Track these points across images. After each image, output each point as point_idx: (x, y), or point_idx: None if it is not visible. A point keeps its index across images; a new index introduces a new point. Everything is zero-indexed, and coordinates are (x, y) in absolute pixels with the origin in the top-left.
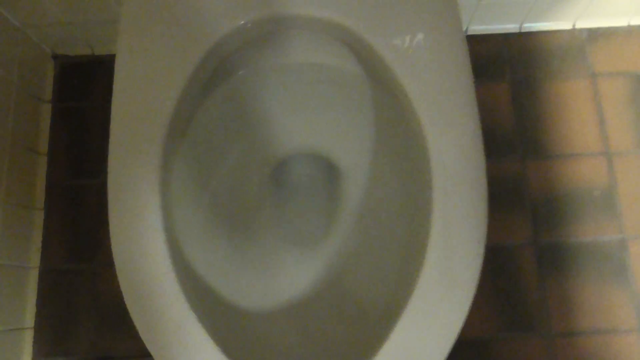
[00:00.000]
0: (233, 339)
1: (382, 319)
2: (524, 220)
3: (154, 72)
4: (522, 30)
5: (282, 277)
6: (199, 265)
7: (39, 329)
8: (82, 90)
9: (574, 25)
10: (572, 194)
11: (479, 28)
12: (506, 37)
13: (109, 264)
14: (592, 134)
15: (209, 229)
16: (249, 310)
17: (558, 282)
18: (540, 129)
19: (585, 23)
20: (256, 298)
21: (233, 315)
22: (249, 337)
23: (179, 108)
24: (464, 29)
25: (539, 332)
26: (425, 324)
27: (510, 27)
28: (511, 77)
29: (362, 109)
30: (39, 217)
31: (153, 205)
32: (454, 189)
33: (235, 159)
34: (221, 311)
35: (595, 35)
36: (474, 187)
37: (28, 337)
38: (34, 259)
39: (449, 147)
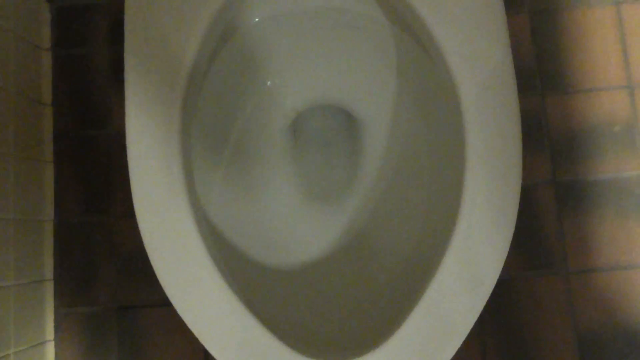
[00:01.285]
0: (251, 291)
1: (408, 278)
2: (542, 158)
3: (170, 21)
4: None
5: (302, 233)
6: (218, 220)
7: (58, 280)
8: (83, 36)
9: None
10: (592, 129)
11: None
12: None
13: (124, 215)
14: (615, 66)
15: (229, 184)
16: (269, 266)
17: (577, 219)
18: (560, 62)
19: None
20: (276, 254)
21: (252, 270)
22: (268, 291)
23: (197, 59)
24: None
25: (557, 270)
26: (458, 287)
27: None
28: (531, 8)
29: (383, 55)
30: (49, 170)
31: (174, 161)
32: (487, 138)
33: (252, 112)
34: (240, 265)
35: None
36: (509, 136)
37: (49, 289)
38: (49, 212)
39: (480, 91)
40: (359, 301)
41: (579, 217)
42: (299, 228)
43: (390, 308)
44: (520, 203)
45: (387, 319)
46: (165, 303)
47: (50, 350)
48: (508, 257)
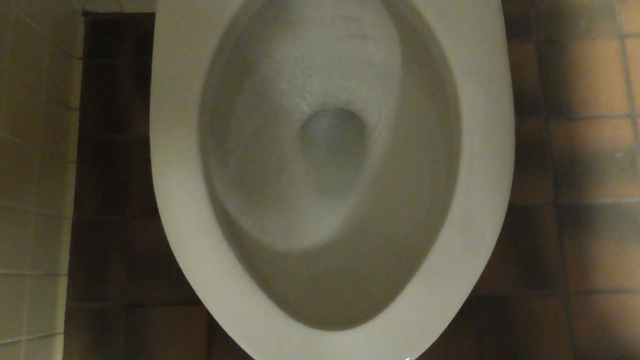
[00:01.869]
0: (267, 275)
1: (409, 259)
2: (545, 181)
3: (193, 23)
4: None
5: (311, 223)
6: (231, 206)
7: (72, 275)
8: (112, 47)
9: None
10: (594, 155)
11: None
12: None
13: (139, 216)
14: (618, 95)
15: (241, 179)
16: (277, 247)
17: (577, 242)
18: (565, 89)
19: None
20: (285, 237)
21: (261, 251)
22: (276, 269)
23: (215, 59)
24: None
25: (557, 290)
26: (447, 268)
27: None
28: (537, 37)
29: (390, 63)
30: (72, 170)
31: (192, 154)
32: (482, 147)
33: (266, 113)
34: (250, 246)
35: None
36: (502, 148)
37: (62, 283)
38: (68, 210)
39: (480, 103)
40: (363, 276)
41: (580, 240)
42: (307, 215)
43: (392, 279)
44: (521, 222)
45: (390, 288)
46: (173, 303)
47: (59, 342)
48: (508, 274)
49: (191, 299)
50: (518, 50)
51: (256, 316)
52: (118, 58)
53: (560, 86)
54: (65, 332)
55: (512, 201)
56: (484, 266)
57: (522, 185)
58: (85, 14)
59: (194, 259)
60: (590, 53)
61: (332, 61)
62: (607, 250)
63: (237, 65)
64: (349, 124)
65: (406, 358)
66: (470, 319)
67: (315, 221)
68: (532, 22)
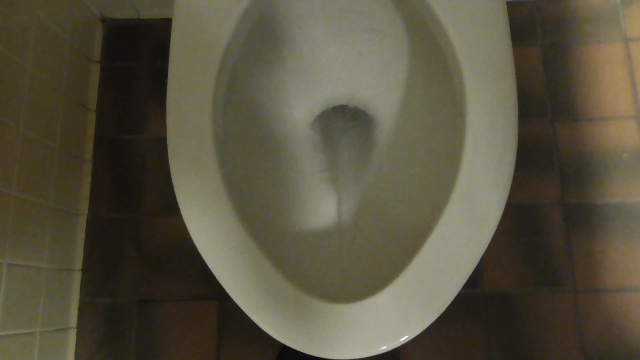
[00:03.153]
0: (281, 255)
1: (416, 235)
2: (552, 181)
3: (206, 27)
4: None
5: (322, 207)
6: (249, 199)
7: (86, 270)
8: (129, 51)
9: None
10: (600, 156)
11: None
12: (538, 2)
13: (152, 214)
14: (623, 98)
15: (256, 169)
16: (287, 225)
17: (584, 240)
18: (570, 91)
19: None
20: (301, 223)
21: (272, 228)
22: (297, 254)
23: (230, 47)
24: None
25: (564, 288)
26: (452, 243)
27: None
28: (543, 41)
29: (398, 57)
30: (87, 168)
31: (208, 148)
32: (484, 142)
33: (277, 110)
34: (262, 225)
35: (629, 0)
36: (505, 142)
37: (76, 278)
38: (83, 207)
39: (486, 102)
40: (372, 252)
41: (587, 238)
42: (317, 198)
43: (400, 254)
44: (529, 221)
45: (397, 263)
46: (184, 298)
47: (72, 336)
48: (516, 272)
49: (202, 294)
50: (524, 53)
51: (268, 291)
52: (134, 62)
53: (565, 88)
54: (78, 327)
55: (519, 200)
56: (488, 241)
57: (529, 184)
58: (104, 19)
59: (211, 242)
60: (595, 56)
61: (340, 56)
62: (615, 250)
63: (249, 65)
64: (357, 116)
65: (410, 332)
66: (478, 315)
67: (326, 205)
68: (538, 26)
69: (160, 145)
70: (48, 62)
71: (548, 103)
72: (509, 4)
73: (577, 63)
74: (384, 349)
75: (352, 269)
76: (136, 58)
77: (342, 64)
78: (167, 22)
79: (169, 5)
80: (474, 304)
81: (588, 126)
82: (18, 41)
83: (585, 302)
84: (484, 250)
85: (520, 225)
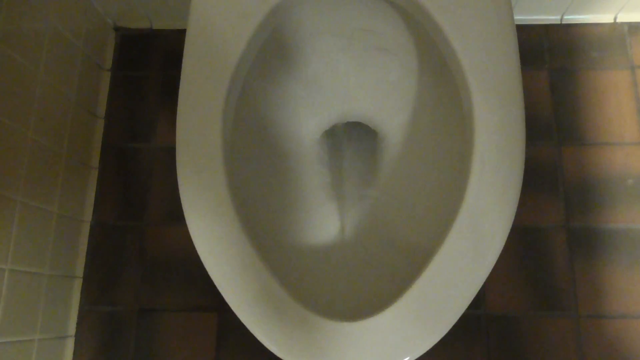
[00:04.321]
0: (283, 270)
1: (419, 258)
2: (557, 204)
3: (220, 38)
4: (563, 22)
5: (326, 223)
6: (254, 211)
7: (87, 278)
8: (140, 60)
9: (615, 19)
10: (605, 181)
11: (520, 18)
12: (547, 27)
13: (155, 223)
14: (629, 124)
15: (263, 182)
16: (299, 249)
17: (588, 265)
18: (577, 116)
19: (627, 17)
20: (304, 239)
21: (284, 253)
22: (299, 269)
23: (242, 61)
24: None
25: (567, 313)
26: (455, 268)
27: (552, 18)
28: (550, 66)
29: (406, 76)
30: (93, 175)
31: (216, 159)
32: (491, 165)
33: (285, 127)
34: (266, 239)
35: (636, 29)
36: (512, 167)
37: (77, 285)
38: (87, 214)
39: (494, 125)
40: (374, 272)
41: (591, 263)
42: (322, 215)
43: (402, 276)
44: (532, 244)
45: (399, 284)
46: (184, 309)
47: (70, 345)
48: (518, 295)
49: (202, 306)
50: (532, 77)
51: (272, 307)
52: (145, 71)
53: (572, 113)
54: (77, 335)
55: (523, 222)
56: (492, 265)
57: (534, 207)
58: (117, 29)
59: (215, 253)
60: (602, 82)
61: (349, 73)
62: (618, 275)
63: (259, 79)
64: (364, 134)
65: (412, 353)
66: (479, 337)
67: (330, 221)
68: (546, 51)
69: (168, 154)
70: (60, 69)
71: (554, 127)
72: (518, 28)
73: (584, 88)
74: None
75: (355, 286)
76: (147, 67)
77: (351, 81)
78: (179, 33)
79: (181, 16)
80: (476, 325)
81: (594, 151)
82: (31, 48)
83: (587, 327)
84: (488, 273)
85: (524, 247)
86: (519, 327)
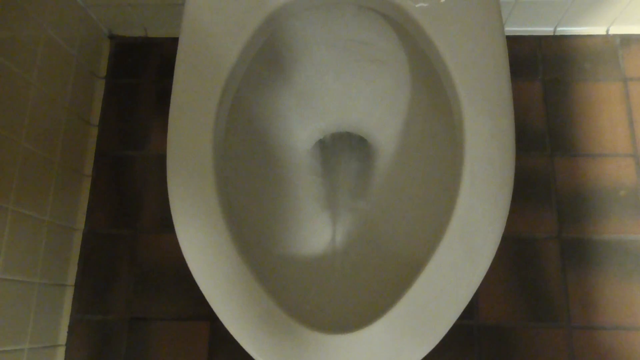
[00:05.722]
0: (273, 280)
1: (411, 267)
2: (549, 215)
3: (212, 47)
4: (556, 34)
5: (318, 233)
6: (244, 220)
7: (79, 286)
8: (134, 69)
9: (607, 31)
10: (598, 192)
11: (514, 29)
12: (540, 39)
13: (148, 231)
14: (621, 135)
15: (254, 192)
16: (290, 258)
17: (580, 276)
18: (569, 127)
19: (619, 29)
20: (295, 248)
21: (274, 263)
22: (289, 280)
23: (235, 69)
24: None
25: (559, 324)
26: (447, 277)
27: (545, 29)
28: (544, 77)
29: (399, 87)
30: (86, 183)
31: (207, 168)
32: (481, 175)
33: (280, 132)
34: (263, 257)
35: (628, 41)
36: (502, 177)
37: (68, 294)
38: (80, 222)
39: (484, 136)
40: (365, 282)
41: (583, 274)
42: (314, 224)
43: (393, 285)
44: (525, 254)
45: (390, 294)
46: (176, 317)
47: (60, 354)
48: (511, 304)
49: (194, 315)
50: (525, 88)
51: (260, 318)
52: (139, 79)
53: (565, 124)
54: (67, 344)
55: (516, 233)
56: (483, 275)
57: (526, 217)
58: (112, 37)
59: (204, 264)
60: (594, 94)
61: (342, 83)
62: (611, 287)
63: (252, 88)
64: (356, 144)
65: None
66: (472, 348)
67: (321, 231)
68: (539, 62)
69: (161, 162)
70: (53, 77)
71: (547, 138)
72: (511, 39)
73: (576, 100)
74: None
75: (345, 298)
76: (141, 75)
77: (344, 91)
78: (174, 42)
79: (176, 25)
80: (468, 335)
81: (586, 162)
82: (25, 56)
83: (579, 338)
84: (479, 284)
85: (516, 257)
86: (511, 338)
